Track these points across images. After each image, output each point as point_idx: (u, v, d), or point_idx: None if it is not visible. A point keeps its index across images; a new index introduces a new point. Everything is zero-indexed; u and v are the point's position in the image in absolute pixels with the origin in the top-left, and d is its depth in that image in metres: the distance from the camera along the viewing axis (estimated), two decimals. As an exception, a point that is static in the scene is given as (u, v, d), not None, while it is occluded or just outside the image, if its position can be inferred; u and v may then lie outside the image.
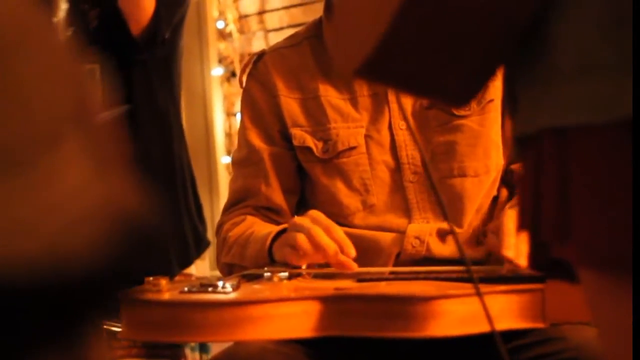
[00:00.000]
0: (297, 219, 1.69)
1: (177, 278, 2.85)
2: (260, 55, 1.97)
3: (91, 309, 0.60)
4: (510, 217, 1.64)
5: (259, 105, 1.93)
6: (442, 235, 1.79)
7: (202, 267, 3.06)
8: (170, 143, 2.99)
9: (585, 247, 0.80)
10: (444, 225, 1.78)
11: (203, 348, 2.93)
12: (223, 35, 4.28)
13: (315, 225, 1.65)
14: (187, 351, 2.87)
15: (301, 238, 1.63)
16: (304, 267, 1.68)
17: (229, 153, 4.10)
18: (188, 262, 2.99)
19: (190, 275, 2.99)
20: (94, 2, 2.90)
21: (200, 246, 3.03)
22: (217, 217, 2.03)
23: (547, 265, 0.90)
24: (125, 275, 0.62)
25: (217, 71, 4.27)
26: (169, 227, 2.78)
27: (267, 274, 1.61)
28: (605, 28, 0.76)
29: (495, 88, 1.80)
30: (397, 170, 1.84)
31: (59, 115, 0.60)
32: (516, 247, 1.59)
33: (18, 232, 0.55)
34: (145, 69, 2.94)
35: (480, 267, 1.66)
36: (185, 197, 3.01)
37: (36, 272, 0.55)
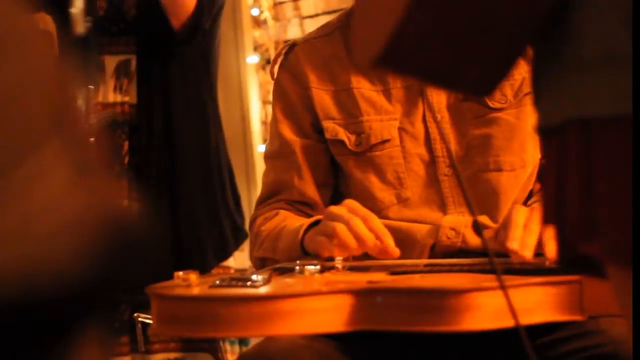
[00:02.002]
0: (333, 208, 1.67)
1: (214, 271, 2.85)
2: (292, 46, 1.95)
3: (77, 322, 0.58)
4: (518, 210, 1.63)
5: (290, 97, 1.91)
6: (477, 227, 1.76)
7: (240, 259, 3.05)
8: (207, 135, 2.99)
9: (610, 243, 0.79)
10: (480, 217, 1.75)
11: (243, 341, 2.94)
12: (258, 22, 4.27)
13: (353, 215, 1.62)
14: (226, 345, 2.87)
15: (340, 228, 1.61)
16: (337, 259, 1.66)
17: (265, 141, 4.10)
18: (226, 255, 2.99)
19: (228, 267, 2.99)
20: None
21: (238, 238, 3.02)
22: (254, 206, 2.01)
23: (575, 260, 0.87)
24: (112, 283, 0.60)
25: (253, 59, 4.26)
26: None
27: (298, 267, 1.59)
28: (628, 19, 0.75)
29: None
30: (431, 163, 1.81)
31: (40, 121, 0.59)
32: (522, 240, 1.57)
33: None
34: (183, 59, 2.94)
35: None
36: (223, 189, 3.00)
37: (10, 287, 0.53)
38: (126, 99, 2.88)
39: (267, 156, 1.97)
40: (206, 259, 2.88)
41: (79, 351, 0.58)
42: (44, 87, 0.60)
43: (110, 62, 2.89)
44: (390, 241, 1.62)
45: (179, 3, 2.80)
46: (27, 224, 0.55)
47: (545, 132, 0.85)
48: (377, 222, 1.63)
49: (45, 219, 0.56)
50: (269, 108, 4.12)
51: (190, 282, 1.49)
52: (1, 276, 0.53)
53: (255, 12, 4.29)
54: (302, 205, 1.89)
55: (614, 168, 0.77)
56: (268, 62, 4.14)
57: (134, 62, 2.89)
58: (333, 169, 1.90)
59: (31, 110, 0.58)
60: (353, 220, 1.61)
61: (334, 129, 1.86)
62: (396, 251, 1.63)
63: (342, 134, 1.85)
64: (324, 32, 1.95)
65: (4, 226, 0.54)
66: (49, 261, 0.55)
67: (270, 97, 4.12)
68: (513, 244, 1.57)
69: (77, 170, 0.61)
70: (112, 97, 2.88)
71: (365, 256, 1.67)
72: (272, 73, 1.97)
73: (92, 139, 0.65)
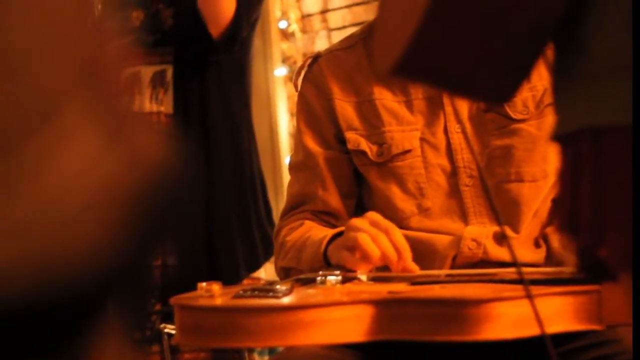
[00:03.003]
0: (355, 221, 1.68)
1: (245, 281, 2.85)
2: (315, 58, 1.97)
3: (98, 317, 0.51)
4: None
5: (314, 109, 1.92)
6: (499, 238, 1.77)
7: (271, 270, 3.06)
8: (240, 145, 2.99)
9: (621, 250, 0.79)
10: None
11: (272, 351, 2.94)
12: (286, 35, 4.29)
13: (374, 227, 1.63)
14: (255, 355, 2.88)
15: (363, 238, 1.61)
16: (359, 270, 1.67)
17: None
18: (256, 266, 3.00)
19: (258, 278, 2.99)
20: (169, 1, 2.89)
21: (269, 249, 3.02)
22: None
23: (594, 267, 0.88)
24: (145, 264, 0.54)
25: (281, 71, 4.28)
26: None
27: (320, 278, 1.60)
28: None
29: None
30: (453, 174, 1.82)
31: (61, 79, 0.50)
32: None
33: (6, 232, 0.47)
34: (219, 69, 2.93)
35: (538, 269, 1.64)
36: (255, 201, 3.00)
37: (29, 282, 0.46)
38: (162, 108, 2.90)
39: (292, 167, 1.99)
40: (238, 269, 2.89)
41: (100, 349, 0.52)
42: (67, 40, 0.52)
43: (147, 73, 2.90)
44: (409, 258, 1.63)
45: (218, 11, 2.79)
46: (40, 211, 0.47)
47: (559, 140, 0.86)
48: (399, 236, 1.64)
49: (68, 197, 0.48)
50: (297, 120, 4.14)
51: (213, 293, 1.51)
52: (11, 275, 0.46)
53: (283, 24, 4.31)
54: (326, 216, 1.91)
55: (624, 176, 0.78)
56: (296, 74, 4.15)
57: (169, 72, 2.90)
58: (356, 179, 1.91)
59: (51, 70, 0.50)
60: (375, 232, 1.62)
61: (356, 139, 1.87)
62: (415, 267, 1.63)
63: (364, 145, 1.86)
64: (347, 44, 1.96)
65: (10, 217, 0.47)
66: (71, 250, 0.48)
67: (297, 110, 4.16)
68: None
69: (108, 131, 0.52)
70: (149, 106, 2.89)
71: (387, 267, 1.68)
72: (295, 85, 1.99)
73: (123, 91, 0.56)
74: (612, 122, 0.77)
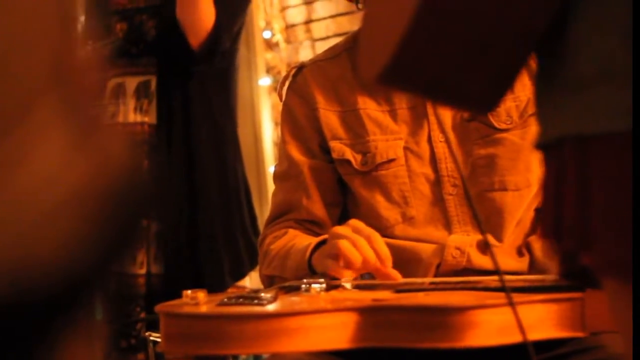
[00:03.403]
0: (338, 229, 1.69)
1: (230, 290, 2.85)
2: (300, 68, 1.98)
3: (72, 316, 0.51)
4: None
5: (298, 119, 1.93)
6: (482, 247, 1.78)
7: (256, 279, 3.06)
8: (225, 156, 2.99)
9: (604, 256, 0.80)
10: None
11: (257, 359, 2.94)
12: (270, 45, 4.30)
13: (356, 234, 1.64)
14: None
15: (345, 245, 1.62)
16: (342, 277, 1.68)
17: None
18: (241, 275, 3.00)
19: (243, 287, 3.00)
20: (152, 13, 2.89)
21: (254, 258, 3.02)
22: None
23: (577, 273, 0.89)
24: (118, 259, 0.53)
25: (265, 81, 4.29)
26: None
27: (304, 286, 1.61)
28: (625, 35, 0.76)
29: None
30: (436, 183, 1.83)
31: (35, 78, 0.50)
32: None
33: None
34: (203, 80, 2.93)
35: (520, 277, 1.65)
36: (239, 210, 3.00)
37: (1, 280, 0.47)
38: (146, 119, 2.90)
39: (276, 177, 1.99)
40: (223, 278, 2.90)
41: (69, 347, 0.52)
42: (42, 34, 0.52)
43: (131, 84, 2.90)
44: (390, 264, 1.64)
45: (196, 22, 2.79)
46: (19, 206, 0.48)
47: (544, 148, 0.86)
48: (381, 242, 1.65)
49: (40, 197, 0.48)
50: (281, 129, 4.15)
51: (198, 301, 1.51)
52: None
53: (267, 35, 4.32)
54: (310, 224, 1.91)
55: (610, 183, 0.78)
56: (281, 84, 4.16)
57: (153, 83, 2.91)
58: (341, 188, 1.92)
59: (28, 65, 0.50)
60: (357, 239, 1.63)
61: (340, 149, 1.88)
62: (397, 274, 1.64)
63: (349, 154, 1.87)
64: (331, 54, 1.97)
65: None
66: (43, 249, 0.48)
67: (282, 119, 4.17)
68: None
69: (77, 130, 0.52)
70: (133, 117, 2.89)
71: (371, 275, 1.69)
72: (280, 95, 1.99)
73: (92, 91, 0.55)
74: (597, 130, 0.78)
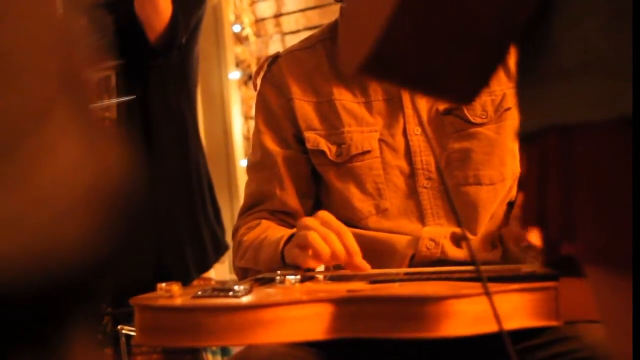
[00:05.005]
0: (307, 220, 1.69)
1: (195, 282, 2.85)
2: (275, 58, 1.97)
3: (84, 307, 0.54)
4: None
5: (273, 109, 1.93)
6: (456, 239, 1.78)
7: (221, 271, 3.06)
8: (186, 148, 3.00)
9: (589, 245, 0.80)
10: (458, 229, 1.77)
11: (224, 352, 2.94)
12: (240, 38, 4.29)
13: (325, 227, 1.64)
14: (209, 355, 2.88)
15: (312, 236, 1.62)
16: (317, 269, 1.68)
17: (247, 156, 4.11)
18: (206, 267, 3.00)
19: (209, 279, 2.99)
20: (111, 8, 2.90)
21: (218, 250, 3.03)
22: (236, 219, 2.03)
23: (560, 262, 0.89)
24: (124, 260, 0.56)
25: (235, 75, 4.28)
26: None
27: (279, 277, 1.61)
28: (609, 26, 0.76)
29: (513, 96, 1.80)
30: (411, 175, 1.83)
31: (49, 86, 0.53)
32: None
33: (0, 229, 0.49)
34: (161, 74, 2.95)
35: (495, 267, 1.66)
36: (203, 202, 3.01)
37: (22, 271, 0.49)
38: (107, 114, 2.89)
39: (250, 167, 1.99)
40: (188, 270, 2.89)
41: (77, 343, 0.54)
42: (53, 44, 0.54)
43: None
44: (359, 258, 1.64)
45: (153, 16, 2.81)
46: (31, 209, 0.50)
47: (526, 138, 0.86)
48: (349, 236, 1.65)
49: (55, 198, 0.51)
50: (251, 123, 4.14)
51: (172, 293, 1.50)
52: (4, 267, 0.48)
53: (237, 28, 4.31)
54: (284, 215, 1.91)
55: (594, 172, 0.78)
56: (250, 77, 4.15)
57: (113, 78, 2.90)
58: (314, 179, 1.92)
59: (42, 73, 0.52)
60: (327, 233, 1.63)
61: (315, 139, 1.88)
62: (366, 266, 1.64)
63: (323, 145, 1.87)
64: (306, 45, 1.97)
65: (10, 208, 0.49)
66: (61, 243, 0.50)
67: (252, 113, 4.16)
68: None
69: (86, 135, 0.55)
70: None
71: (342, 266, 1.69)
72: (254, 84, 1.98)
73: (97, 97, 0.59)
74: (581, 119, 0.78)
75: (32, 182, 0.51)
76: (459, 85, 0.89)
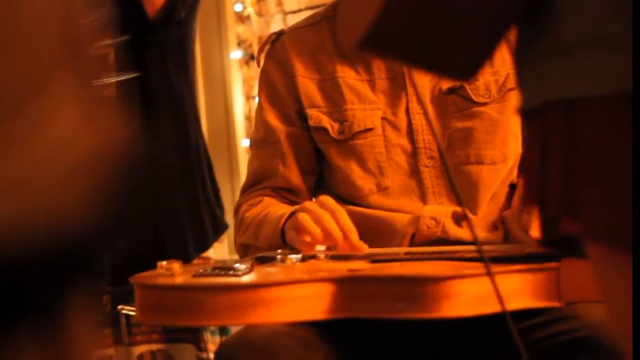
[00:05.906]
0: (306, 203, 1.70)
1: (195, 261, 2.85)
2: (279, 34, 1.96)
3: (85, 277, 0.54)
4: None
5: (276, 86, 1.92)
6: (457, 218, 1.78)
7: (220, 250, 3.05)
8: (185, 125, 2.98)
9: (592, 221, 0.80)
10: (459, 208, 1.77)
11: (223, 331, 2.94)
12: (241, 18, 4.27)
13: (321, 209, 1.64)
14: (207, 335, 2.88)
15: (304, 218, 1.62)
16: (317, 248, 1.67)
17: (248, 136, 4.10)
18: (206, 246, 2.99)
19: (208, 258, 2.99)
20: None
21: (218, 229, 3.02)
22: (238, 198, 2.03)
23: (558, 241, 0.89)
24: (124, 228, 0.56)
25: (236, 54, 4.27)
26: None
27: (280, 256, 1.60)
28: (615, 8, 0.75)
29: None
30: (413, 154, 1.83)
31: (52, 52, 0.53)
32: None
33: (4, 191, 0.49)
34: (160, 50, 2.93)
35: (496, 247, 1.65)
36: (202, 181, 3.00)
37: (27, 234, 0.49)
38: (106, 92, 2.88)
39: (253, 143, 1.98)
40: (187, 250, 2.89)
41: (77, 320, 0.54)
42: (56, 10, 0.54)
43: None
44: (355, 237, 1.63)
45: None
46: (34, 172, 0.50)
47: (527, 113, 0.86)
48: (345, 217, 1.64)
49: (55, 164, 0.51)
50: (253, 103, 4.13)
51: (173, 272, 1.50)
52: (8, 230, 0.48)
53: (238, 8, 4.29)
54: (286, 192, 1.91)
55: (595, 147, 0.78)
56: (252, 57, 4.14)
57: (111, 55, 2.89)
58: (317, 156, 1.91)
59: (46, 38, 0.53)
60: (320, 213, 1.63)
61: (317, 116, 1.87)
62: (363, 246, 1.64)
63: (326, 122, 1.87)
64: (311, 22, 1.96)
65: (14, 171, 0.49)
66: (62, 208, 0.51)
67: (254, 92, 4.16)
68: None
69: (87, 103, 0.56)
70: None
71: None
72: (258, 61, 1.98)
73: (100, 66, 0.59)
74: (584, 94, 0.77)
75: (35, 145, 0.50)
76: (458, 61, 0.89)
